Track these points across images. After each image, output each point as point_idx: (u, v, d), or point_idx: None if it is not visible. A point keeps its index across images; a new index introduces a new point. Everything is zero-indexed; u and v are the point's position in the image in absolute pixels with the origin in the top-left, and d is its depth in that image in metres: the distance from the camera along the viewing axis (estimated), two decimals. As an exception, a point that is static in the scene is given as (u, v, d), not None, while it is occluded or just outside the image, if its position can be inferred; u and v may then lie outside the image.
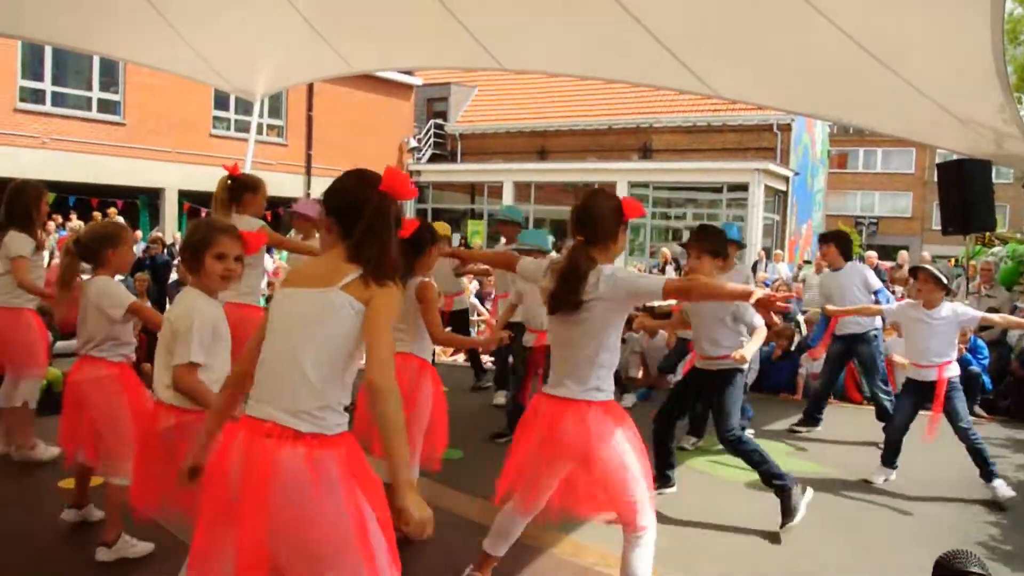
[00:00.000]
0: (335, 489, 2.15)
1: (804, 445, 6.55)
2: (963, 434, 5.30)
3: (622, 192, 23.75)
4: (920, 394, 5.47)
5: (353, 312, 2.23)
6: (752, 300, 3.01)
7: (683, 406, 5.27)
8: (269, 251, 12.20)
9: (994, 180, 6.77)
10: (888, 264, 15.23)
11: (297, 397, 2.18)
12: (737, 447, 4.69)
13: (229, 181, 4.82)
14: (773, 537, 4.48)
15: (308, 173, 22.31)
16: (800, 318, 10.28)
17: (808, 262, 20.44)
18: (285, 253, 9.79)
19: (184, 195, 19.38)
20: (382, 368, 2.16)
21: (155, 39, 6.96)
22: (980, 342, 8.19)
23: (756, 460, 4.62)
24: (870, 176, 42.34)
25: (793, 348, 8.72)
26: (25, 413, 5.13)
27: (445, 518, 4.39)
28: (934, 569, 2.74)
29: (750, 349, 4.66)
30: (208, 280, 3.09)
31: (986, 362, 8.06)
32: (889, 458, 5.62)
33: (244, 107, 19.37)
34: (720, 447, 6.08)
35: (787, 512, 4.50)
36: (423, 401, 4.02)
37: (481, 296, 12.75)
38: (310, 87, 21.83)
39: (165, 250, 14.21)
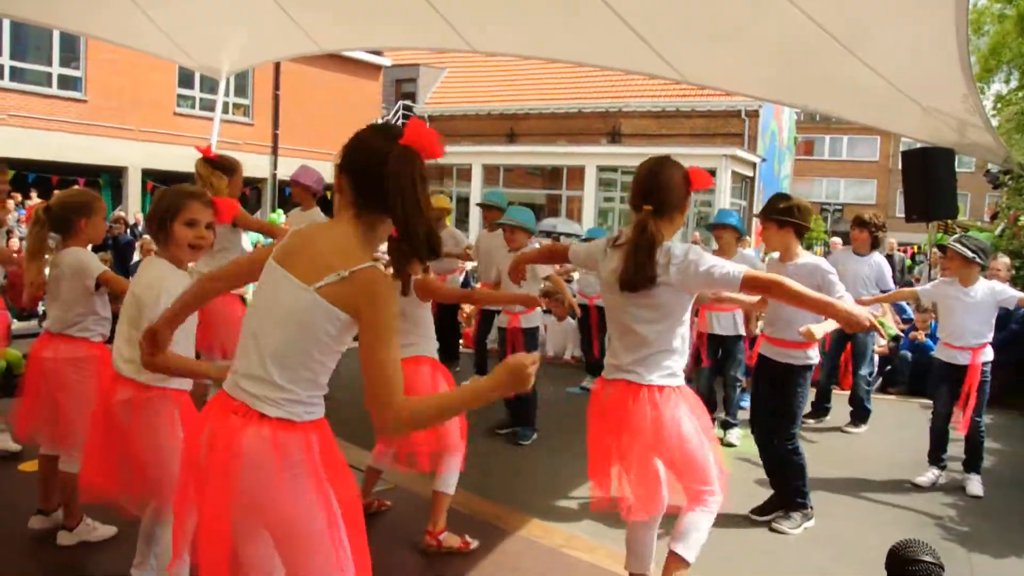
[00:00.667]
0: (300, 473, 2.02)
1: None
2: (972, 424, 5.19)
3: (590, 175, 23.80)
4: (954, 378, 5.22)
5: (331, 321, 1.99)
6: (841, 319, 2.82)
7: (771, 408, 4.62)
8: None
9: (956, 168, 6.85)
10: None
11: (262, 386, 2.03)
12: (791, 456, 4.45)
13: (207, 163, 4.71)
14: (733, 517, 4.54)
15: (275, 153, 22.00)
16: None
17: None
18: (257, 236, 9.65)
19: (147, 174, 19.05)
20: (392, 409, 1.94)
21: (118, 14, 6.81)
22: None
23: (796, 474, 4.46)
24: (835, 163, 42.81)
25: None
26: None
27: (424, 504, 4.43)
28: (887, 557, 2.80)
29: (823, 327, 3.95)
30: (177, 249, 2.97)
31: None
32: (936, 455, 5.39)
33: (209, 85, 19.08)
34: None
35: (787, 519, 4.43)
36: None
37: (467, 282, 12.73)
38: (277, 66, 21.51)
39: (128, 230, 14.00)
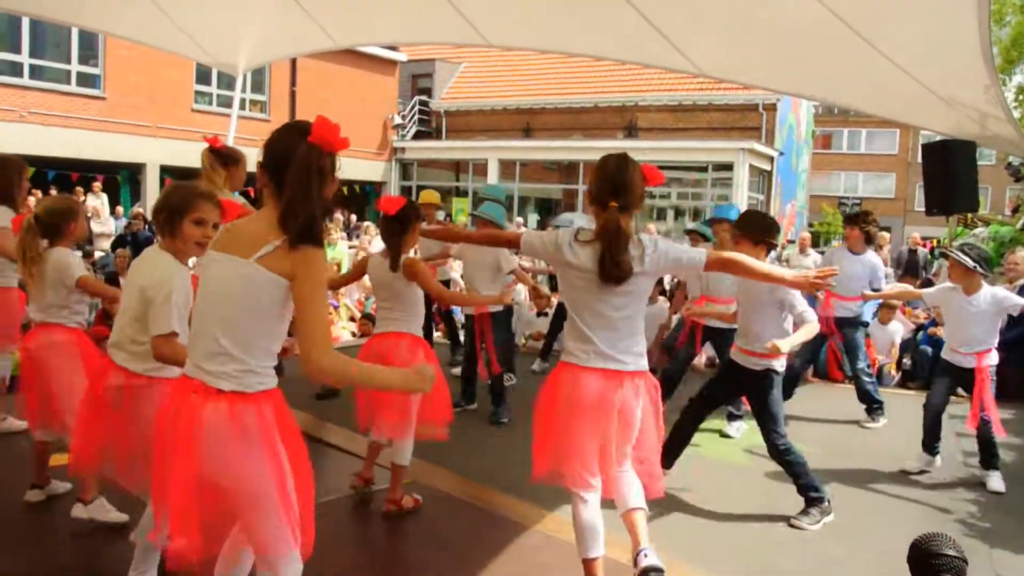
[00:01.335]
0: (255, 442, 2.25)
1: (789, 426, 6.57)
2: (981, 423, 5.17)
3: (607, 171, 23.71)
4: (956, 378, 5.30)
5: (274, 287, 2.23)
6: (789, 283, 3.14)
7: (717, 402, 5.01)
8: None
9: (977, 161, 6.78)
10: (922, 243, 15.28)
11: (217, 361, 2.25)
12: (783, 457, 4.52)
13: (211, 153, 4.75)
14: (749, 510, 4.53)
15: (291, 149, 22.10)
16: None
17: (792, 242, 20.50)
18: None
19: (165, 170, 19.17)
20: (319, 349, 2.20)
21: (136, 12, 6.87)
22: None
23: (798, 472, 4.49)
24: (854, 157, 42.51)
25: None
26: None
27: (431, 494, 4.44)
28: (910, 551, 2.76)
29: (789, 341, 4.20)
30: (183, 245, 3.06)
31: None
32: (930, 444, 5.40)
33: (226, 82, 19.17)
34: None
35: (805, 515, 4.44)
36: None
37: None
38: (293, 62, 21.62)
39: (147, 226, 14.08)
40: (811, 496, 4.47)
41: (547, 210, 27.10)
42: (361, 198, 24.59)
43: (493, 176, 25.48)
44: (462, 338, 8.36)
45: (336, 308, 10.15)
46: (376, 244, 11.97)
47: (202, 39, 7.55)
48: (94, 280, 4.06)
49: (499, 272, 5.94)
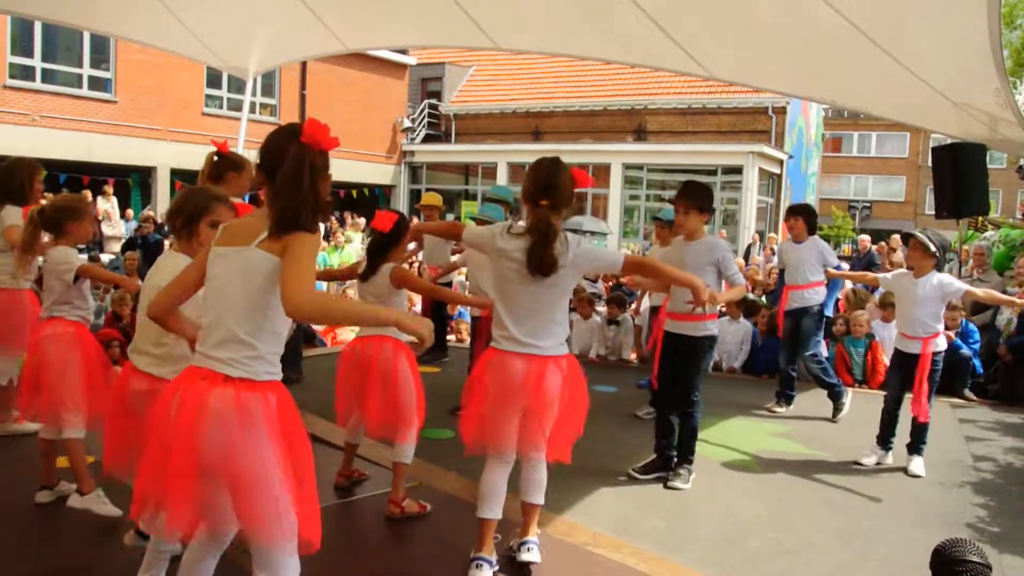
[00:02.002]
0: (259, 429, 2.30)
1: (790, 425, 6.56)
2: (921, 410, 5.31)
3: (616, 173, 23.75)
4: (906, 367, 5.43)
5: (272, 267, 2.33)
6: (698, 292, 3.60)
7: (672, 381, 5.08)
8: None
9: (988, 164, 6.77)
10: (877, 246, 15.25)
11: (228, 348, 2.33)
12: (687, 419, 4.89)
13: (216, 158, 4.75)
14: (757, 516, 4.52)
15: (301, 152, 22.18)
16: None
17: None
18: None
19: (176, 173, 19.27)
20: (299, 287, 2.23)
21: (147, 16, 6.91)
22: (972, 326, 8.22)
23: (692, 434, 4.92)
24: (864, 160, 42.36)
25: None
26: (7, 389, 5.17)
27: (434, 496, 4.45)
28: (932, 556, 2.73)
29: (725, 296, 4.82)
30: (200, 247, 3.04)
31: (977, 346, 8.10)
32: (884, 438, 5.54)
33: (237, 85, 19.24)
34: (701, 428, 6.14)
35: (677, 476, 4.89)
36: (404, 378, 4.09)
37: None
38: (303, 66, 21.69)
39: (156, 229, 14.14)
40: (688, 458, 4.95)
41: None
42: (372, 201, 24.65)
43: (503, 179, 25.48)
44: (463, 341, 8.41)
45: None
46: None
47: (213, 43, 7.59)
48: (94, 266, 4.22)
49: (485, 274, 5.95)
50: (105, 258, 13.01)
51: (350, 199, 22.89)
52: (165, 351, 3.09)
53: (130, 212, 17.34)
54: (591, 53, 6.95)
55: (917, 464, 5.36)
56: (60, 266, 3.94)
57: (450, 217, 22.47)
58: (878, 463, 5.50)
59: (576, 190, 3.54)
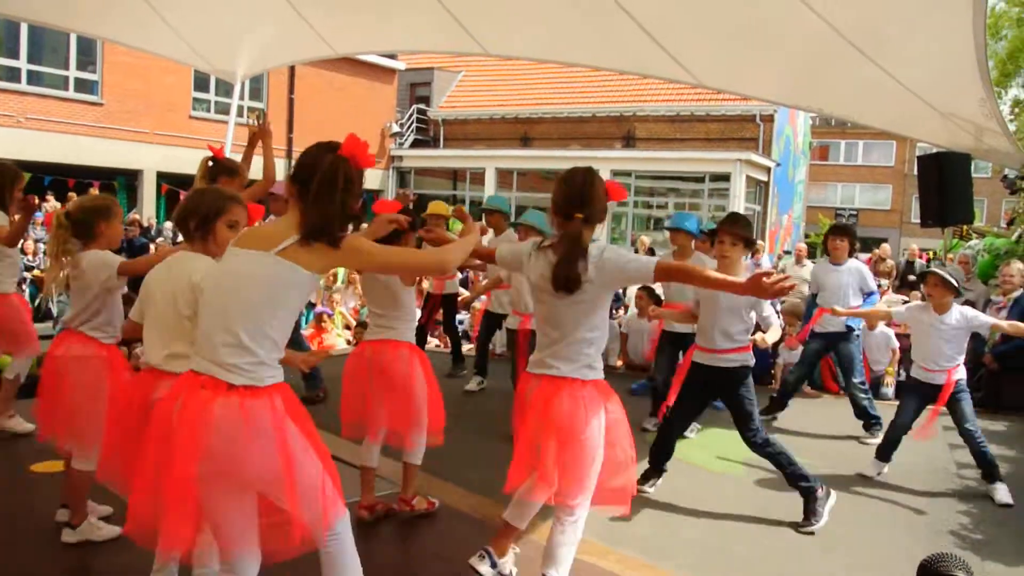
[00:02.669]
0: (266, 435, 2.31)
1: (778, 435, 6.56)
2: (968, 436, 5.20)
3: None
4: (926, 395, 5.32)
5: (289, 276, 2.35)
6: (742, 289, 3.02)
7: (698, 405, 5.04)
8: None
9: (973, 174, 6.80)
10: (866, 256, 15.35)
11: (231, 354, 2.32)
12: (764, 449, 4.57)
13: (210, 163, 4.75)
14: (747, 520, 4.52)
15: (289, 157, 22.12)
16: (777, 307, 10.31)
17: (788, 252, 20.55)
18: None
19: (162, 177, 19.17)
20: (431, 259, 2.70)
21: (134, 18, 6.87)
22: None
23: (783, 463, 4.54)
24: (851, 168, 42.58)
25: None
26: (10, 385, 5.17)
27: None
28: (919, 571, 2.73)
29: (772, 336, 4.64)
30: (216, 248, 3.00)
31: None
32: (885, 452, 5.48)
33: (224, 89, 19.16)
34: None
35: (810, 514, 4.47)
36: (420, 385, 4.06)
37: (466, 283, 12.76)
38: (292, 70, 21.64)
39: (143, 232, 14.07)
40: (802, 487, 4.51)
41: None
42: (360, 206, 24.56)
43: (491, 185, 25.50)
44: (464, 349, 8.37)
45: (331, 316, 10.15)
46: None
47: (201, 46, 7.55)
48: (136, 260, 3.79)
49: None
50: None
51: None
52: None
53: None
54: (580, 60, 6.94)
55: (1001, 491, 5.11)
56: (99, 272, 3.62)
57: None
58: (879, 473, 5.45)
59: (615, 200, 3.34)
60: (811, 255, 15.47)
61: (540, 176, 26.41)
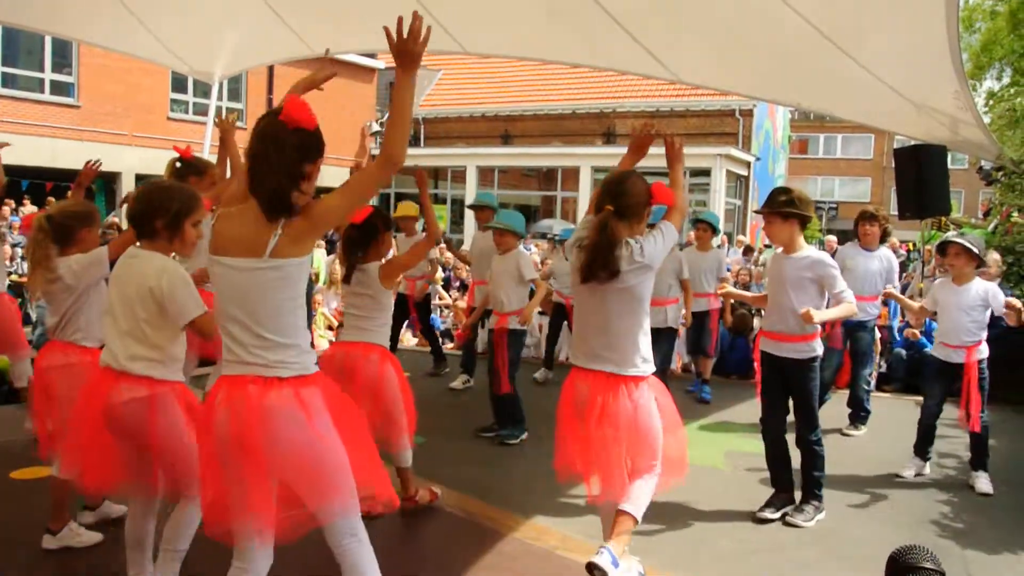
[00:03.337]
0: (324, 418, 2.36)
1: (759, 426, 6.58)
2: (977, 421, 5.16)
3: (585, 176, 23.82)
4: (948, 376, 5.26)
5: (295, 269, 2.35)
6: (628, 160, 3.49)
7: (783, 405, 4.67)
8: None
9: (949, 165, 6.87)
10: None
11: (273, 352, 2.33)
12: (812, 447, 4.49)
13: (177, 164, 4.71)
14: (726, 516, 4.55)
15: (269, 157, 22.01)
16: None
17: (768, 246, 20.63)
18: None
19: (141, 179, 19.00)
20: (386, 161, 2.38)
21: (111, 20, 6.82)
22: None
23: (819, 465, 4.52)
24: (830, 161, 42.87)
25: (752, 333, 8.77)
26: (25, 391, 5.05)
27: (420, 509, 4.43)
28: (887, 564, 2.76)
29: (826, 314, 4.26)
30: (182, 247, 2.98)
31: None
32: (922, 448, 5.39)
33: (202, 90, 19.01)
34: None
35: (799, 512, 4.49)
36: (391, 388, 4.04)
37: (448, 282, 12.79)
38: (270, 70, 21.49)
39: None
40: (815, 492, 4.52)
41: (526, 217, 27.08)
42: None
43: (472, 183, 25.46)
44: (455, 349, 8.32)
45: (313, 317, 10.11)
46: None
47: (177, 47, 7.51)
48: (114, 244, 3.63)
49: (521, 280, 5.93)
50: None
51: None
52: (161, 353, 2.91)
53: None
54: (558, 57, 6.96)
55: (983, 480, 5.15)
56: (94, 272, 3.56)
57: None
58: (917, 474, 5.36)
59: (654, 205, 3.30)
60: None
61: (521, 173, 26.41)
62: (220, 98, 19.66)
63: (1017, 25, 20.38)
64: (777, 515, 4.53)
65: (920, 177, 6.97)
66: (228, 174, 4.46)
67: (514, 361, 5.92)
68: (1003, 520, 4.71)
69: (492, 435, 5.96)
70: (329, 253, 12.59)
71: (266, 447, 2.29)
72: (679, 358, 8.69)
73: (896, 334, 8.99)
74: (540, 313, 8.05)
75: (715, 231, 7.41)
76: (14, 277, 11.50)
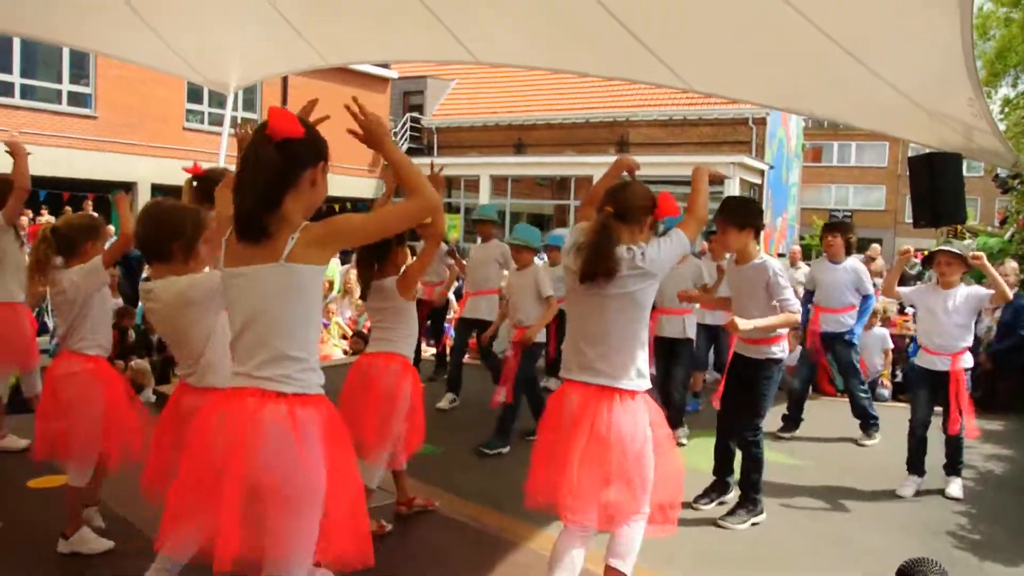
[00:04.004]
0: (314, 445, 2.23)
1: (778, 438, 6.56)
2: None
3: (598, 186, 23.79)
4: (934, 384, 5.25)
5: (307, 275, 2.25)
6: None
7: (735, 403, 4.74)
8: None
9: (965, 173, 6.82)
10: (860, 256, 15.41)
11: (279, 366, 2.24)
12: (749, 448, 4.58)
13: (195, 182, 4.70)
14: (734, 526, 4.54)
15: (283, 167, 22.12)
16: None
17: (782, 255, 20.57)
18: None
19: (157, 189, 19.15)
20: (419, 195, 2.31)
21: (127, 31, 6.88)
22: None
23: (757, 468, 4.56)
24: (844, 170, 42.70)
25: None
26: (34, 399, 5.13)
27: (424, 512, 4.43)
28: None
29: (752, 322, 4.13)
30: (197, 266, 3.01)
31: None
32: (916, 463, 5.35)
33: (218, 100, 19.19)
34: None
35: (731, 515, 4.55)
36: (402, 399, 4.01)
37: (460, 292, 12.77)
38: (285, 80, 21.65)
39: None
40: (751, 496, 4.57)
41: (539, 226, 27.04)
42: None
43: (485, 192, 25.50)
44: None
45: (327, 326, 10.15)
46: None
47: (193, 58, 7.57)
48: (108, 251, 3.71)
49: (539, 296, 5.93)
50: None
51: (331, 213, 22.74)
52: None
53: (111, 228, 17.20)
54: (570, 66, 6.97)
55: (955, 487, 5.20)
56: (93, 281, 3.62)
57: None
58: (916, 492, 5.28)
59: (663, 217, 3.22)
60: (806, 257, 15.54)
61: (534, 183, 26.44)
62: (235, 108, 19.79)
63: (1031, 32, 20.27)
64: (711, 505, 4.75)
65: (935, 186, 6.92)
66: None
67: (525, 375, 5.92)
68: (1021, 531, 4.67)
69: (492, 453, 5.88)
70: (344, 263, 12.60)
71: (247, 457, 2.18)
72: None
73: (912, 343, 8.94)
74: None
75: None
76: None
